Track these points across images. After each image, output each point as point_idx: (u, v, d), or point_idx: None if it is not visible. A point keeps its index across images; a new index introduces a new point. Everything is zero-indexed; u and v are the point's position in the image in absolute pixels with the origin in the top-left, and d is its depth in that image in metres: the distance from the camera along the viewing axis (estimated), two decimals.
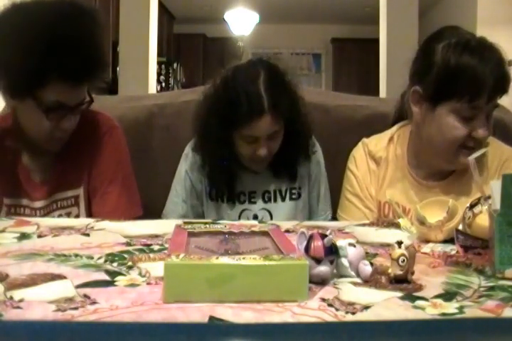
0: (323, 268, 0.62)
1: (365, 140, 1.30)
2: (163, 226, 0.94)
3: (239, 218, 1.36)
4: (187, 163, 1.39)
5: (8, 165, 1.22)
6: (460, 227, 0.82)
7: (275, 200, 1.39)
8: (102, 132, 1.27)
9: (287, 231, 0.95)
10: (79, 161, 1.25)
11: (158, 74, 6.19)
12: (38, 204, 1.23)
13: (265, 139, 1.27)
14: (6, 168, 1.22)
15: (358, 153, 1.29)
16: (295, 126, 1.31)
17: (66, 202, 1.24)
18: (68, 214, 1.24)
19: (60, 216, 1.23)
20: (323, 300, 0.56)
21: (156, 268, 0.67)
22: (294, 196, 1.40)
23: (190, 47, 7.97)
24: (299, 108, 1.32)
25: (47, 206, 1.23)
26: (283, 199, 1.39)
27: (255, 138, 1.26)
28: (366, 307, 0.54)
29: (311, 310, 0.53)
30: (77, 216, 1.24)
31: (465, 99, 1.07)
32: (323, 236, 0.63)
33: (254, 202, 1.38)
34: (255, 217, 1.36)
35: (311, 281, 0.59)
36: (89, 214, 1.25)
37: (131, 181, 1.31)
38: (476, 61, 1.06)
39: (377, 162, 1.26)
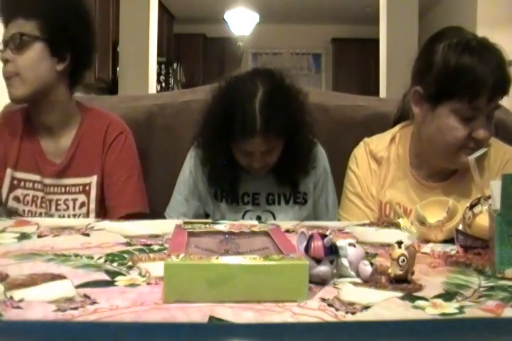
0: (323, 268, 0.62)
1: (366, 139, 1.30)
2: (163, 226, 0.95)
3: (242, 219, 1.36)
4: (191, 163, 1.39)
5: (24, 142, 1.34)
6: (460, 227, 0.82)
7: (279, 203, 1.38)
8: (119, 132, 1.37)
9: (287, 231, 0.95)
10: (91, 154, 1.34)
11: (158, 74, 6.19)
12: (48, 181, 1.31)
13: (260, 154, 1.26)
14: (22, 144, 1.34)
15: (359, 152, 1.29)
16: (294, 141, 1.29)
17: (74, 188, 1.32)
18: (74, 201, 1.32)
19: (66, 200, 1.31)
20: (323, 300, 0.56)
21: (156, 268, 0.67)
22: (298, 200, 1.39)
23: (190, 47, 7.97)
24: (300, 123, 1.29)
25: (54, 186, 1.31)
26: (287, 202, 1.39)
27: (250, 152, 1.27)
28: (366, 307, 0.54)
29: (311, 310, 0.53)
30: (83, 203, 1.31)
31: (465, 99, 1.07)
32: (323, 236, 0.63)
33: (258, 204, 1.38)
34: (259, 218, 1.36)
35: (311, 281, 0.59)
36: (99, 205, 1.32)
37: (142, 182, 1.40)
38: (475, 61, 1.06)
39: (378, 162, 1.25)
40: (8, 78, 1.27)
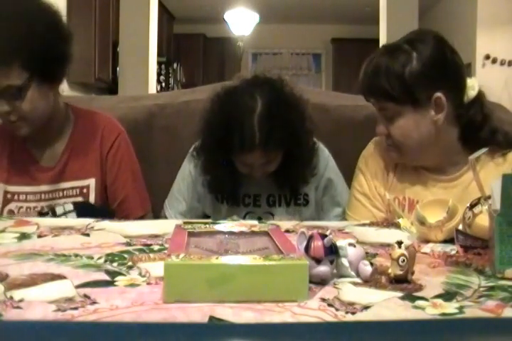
0: (323, 268, 0.62)
1: (376, 139, 1.31)
2: (163, 226, 0.95)
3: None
4: (191, 164, 1.39)
5: (14, 154, 1.29)
6: (460, 227, 0.82)
7: (279, 205, 1.38)
8: (116, 134, 1.34)
9: (287, 231, 0.95)
10: (87, 156, 1.32)
11: (158, 74, 6.19)
12: (44, 188, 1.29)
13: (259, 165, 1.27)
14: (12, 157, 1.29)
15: (369, 152, 1.29)
16: (294, 151, 1.29)
17: (71, 191, 1.30)
18: None
19: (65, 204, 1.29)
20: (323, 300, 0.56)
21: (156, 268, 0.67)
22: (299, 201, 1.39)
23: (190, 47, 7.97)
24: (300, 134, 1.28)
25: (52, 191, 1.29)
26: (287, 204, 1.38)
27: (249, 163, 1.27)
28: (366, 307, 0.54)
29: (311, 310, 0.53)
30: None
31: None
32: (323, 236, 0.63)
33: (259, 206, 1.38)
34: (259, 220, 1.36)
35: (311, 281, 0.59)
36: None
37: (142, 179, 1.40)
38: (365, 65, 1.17)
39: (388, 160, 1.26)
40: (10, 122, 1.20)
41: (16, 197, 1.29)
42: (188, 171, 1.39)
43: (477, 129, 1.17)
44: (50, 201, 1.29)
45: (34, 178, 1.29)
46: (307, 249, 0.63)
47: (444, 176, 1.21)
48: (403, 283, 0.62)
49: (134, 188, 1.36)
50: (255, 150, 1.21)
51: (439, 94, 1.11)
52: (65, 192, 1.30)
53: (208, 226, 0.77)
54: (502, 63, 5.60)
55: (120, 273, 0.66)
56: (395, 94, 1.11)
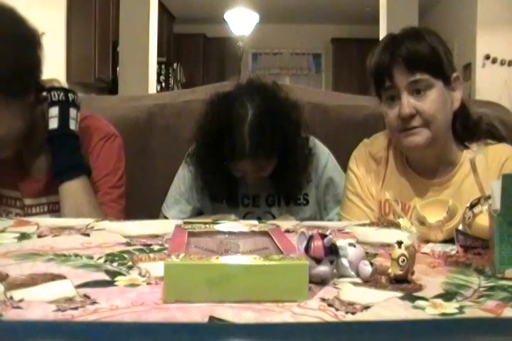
0: (323, 268, 0.62)
1: (365, 140, 1.32)
2: (163, 226, 0.95)
3: None
4: (189, 166, 1.39)
5: (10, 160, 1.23)
6: (460, 227, 0.82)
7: (279, 204, 1.38)
8: (99, 138, 1.27)
9: (287, 231, 0.95)
10: None
11: (158, 74, 6.20)
12: (29, 201, 1.25)
13: (251, 171, 1.27)
14: (8, 161, 1.23)
15: (359, 153, 1.30)
16: (287, 159, 1.29)
17: (57, 206, 1.23)
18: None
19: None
20: (323, 300, 0.56)
21: (156, 268, 0.67)
22: (299, 201, 1.39)
23: (190, 47, 7.98)
24: (293, 142, 1.28)
25: (37, 205, 1.25)
26: (287, 203, 1.38)
27: (241, 169, 1.27)
28: (366, 307, 0.54)
29: (311, 310, 0.53)
30: None
31: (376, 84, 1.17)
32: (323, 236, 0.63)
33: (258, 206, 1.38)
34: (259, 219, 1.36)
35: (311, 281, 0.59)
36: None
37: (122, 188, 1.29)
38: (381, 53, 1.14)
39: (377, 161, 1.26)
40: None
41: (4, 200, 1.25)
42: (186, 173, 1.39)
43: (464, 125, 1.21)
44: (34, 216, 1.23)
45: (19, 187, 1.25)
46: (307, 249, 0.63)
47: (436, 179, 1.21)
48: (403, 283, 0.62)
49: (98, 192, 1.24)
50: (245, 159, 1.22)
51: (458, 74, 1.17)
52: (50, 206, 1.25)
53: (207, 226, 0.77)
54: (502, 63, 5.61)
55: (120, 273, 0.65)
56: (434, 65, 1.13)
